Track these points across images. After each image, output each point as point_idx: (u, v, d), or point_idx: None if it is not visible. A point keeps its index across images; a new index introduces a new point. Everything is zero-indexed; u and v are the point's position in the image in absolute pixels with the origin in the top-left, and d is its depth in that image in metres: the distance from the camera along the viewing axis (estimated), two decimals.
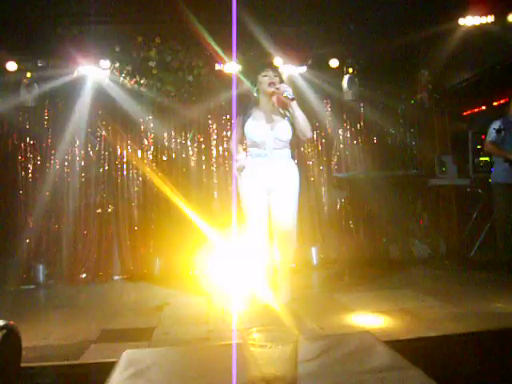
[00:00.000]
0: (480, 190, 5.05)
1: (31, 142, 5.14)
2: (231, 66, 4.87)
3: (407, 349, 1.19)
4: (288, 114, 3.44)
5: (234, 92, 4.56)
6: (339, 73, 5.24)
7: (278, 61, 4.97)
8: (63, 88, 4.91)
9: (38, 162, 5.14)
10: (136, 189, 5.29)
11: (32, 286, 4.79)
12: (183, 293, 4.29)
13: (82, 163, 5.19)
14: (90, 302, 4.24)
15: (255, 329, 0.97)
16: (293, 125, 3.43)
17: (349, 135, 5.70)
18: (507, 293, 3.63)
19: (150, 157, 5.33)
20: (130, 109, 5.13)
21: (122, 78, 4.99)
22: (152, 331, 2.97)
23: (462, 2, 4.32)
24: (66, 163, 5.16)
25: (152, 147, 5.34)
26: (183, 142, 5.38)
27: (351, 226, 5.59)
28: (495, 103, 5.55)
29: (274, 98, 3.47)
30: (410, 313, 3.19)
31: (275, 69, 3.59)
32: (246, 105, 3.57)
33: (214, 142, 5.40)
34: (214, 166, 5.40)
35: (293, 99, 3.30)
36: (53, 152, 5.13)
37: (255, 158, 3.47)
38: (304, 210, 5.43)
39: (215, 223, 5.18)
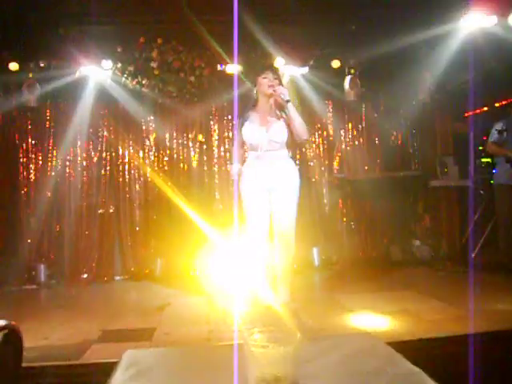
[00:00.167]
0: (482, 191, 5.05)
1: (33, 142, 5.16)
2: (233, 67, 4.87)
3: (408, 350, 1.19)
4: (284, 116, 3.46)
5: (236, 93, 4.56)
6: (341, 73, 5.23)
7: (279, 61, 4.97)
8: (65, 88, 4.91)
9: (40, 163, 5.15)
10: (137, 189, 5.30)
11: (33, 286, 4.80)
12: (184, 293, 4.30)
13: (84, 163, 5.21)
14: (92, 302, 4.25)
15: (256, 329, 0.96)
16: (289, 126, 3.45)
17: (350, 136, 5.70)
18: (509, 294, 3.63)
19: (152, 157, 5.34)
20: (132, 109, 5.13)
21: (123, 79, 4.99)
22: (153, 331, 2.97)
23: (464, 2, 4.31)
24: (68, 163, 5.18)
25: (154, 148, 5.35)
26: (185, 142, 5.39)
27: (352, 226, 5.59)
28: (497, 104, 5.54)
29: (272, 100, 3.49)
30: (411, 314, 3.19)
31: (275, 71, 3.62)
32: (246, 106, 3.60)
33: (215, 143, 5.41)
34: (216, 166, 5.40)
35: (288, 101, 3.33)
36: (55, 152, 5.14)
37: (254, 160, 3.51)
38: (305, 211, 5.42)
39: (216, 223, 5.19)
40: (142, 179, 5.30)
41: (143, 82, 5.03)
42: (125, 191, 5.27)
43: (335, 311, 3.40)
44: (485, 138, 4.97)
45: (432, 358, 2.11)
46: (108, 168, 5.25)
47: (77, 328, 3.16)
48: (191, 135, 5.39)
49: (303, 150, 5.57)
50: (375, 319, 3.13)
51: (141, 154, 5.32)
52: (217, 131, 5.42)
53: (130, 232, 5.25)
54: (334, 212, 5.59)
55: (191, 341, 2.78)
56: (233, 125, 3.67)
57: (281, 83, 3.50)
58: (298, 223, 5.03)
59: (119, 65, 4.93)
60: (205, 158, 5.37)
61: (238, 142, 3.69)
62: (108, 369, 1.16)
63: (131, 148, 5.30)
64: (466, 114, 5.64)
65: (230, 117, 5.29)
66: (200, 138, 5.40)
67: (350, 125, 5.72)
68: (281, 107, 3.47)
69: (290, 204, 3.53)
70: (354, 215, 5.60)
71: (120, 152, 5.28)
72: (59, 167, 5.12)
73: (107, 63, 4.86)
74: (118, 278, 5.17)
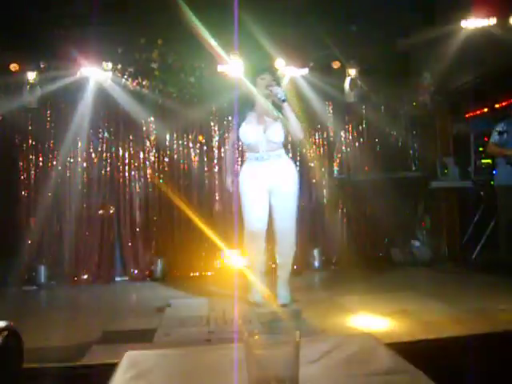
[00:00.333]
0: (482, 192, 5.05)
1: (33, 143, 5.16)
2: (233, 68, 4.88)
3: (409, 351, 1.19)
4: (281, 116, 3.49)
5: (236, 94, 4.57)
6: (341, 75, 5.24)
7: (279, 62, 4.97)
8: (66, 89, 4.92)
9: (41, 164, 5.15)
10: (138, 190, 5.30)
11: (34, 287, 4.80)
12: (185, 294, 4.29)
13: (84, 164, 5.20)
14: (92, 303, 4.25)
15: (257, 330, 0.96)
16: (285, 126, 3.49)
17: (351, 137, 5.71)
18: (509, 295, 3.62)
19: (152, 158, 5.34)
20: (132, 110, 5.13)
21: (124, 80, 5.00)
22: (153, 332, 2.97)
23: (464, 4, 4.32)
24: (68, 164, 5.17)
25: (154, 148, 5.35)
26: (185, 143, 5.39)
27: (353, 227, 5.59)
28: (497, 105, 5.54)
29: (269, 101, 3.52)
30: (411, 315, 3.19)
31: (273, 72, 3.66)
32: (244, 107, 3.63)
33: (215, 144, 5.41)
34: (216, 167, 5.40)
35: (284, 101, 3.37)
36: (55, 153, 5.14)
37: (252, 161, 3.55)
38: (306, 212, 5.43)
39: (217, 224, 5.19)
40: (142, 180, 5.31)
41: (143, 82, 5.05)
42: (125, 192, 5.27)
43: (335, 312, 3.40)
44: (485, 139, 4.97)
45: (432, 360, 2.11)
46: (108, 169, 5.25)
47: (77, 329, 3.16)
48: (191, 136, 5.40)
49: (303, 151, 5.57)
50: (375, 320, 3.13)
51: (141, 154, 5.32)
52: (217, 132, 5.42)
53: (131, 233, 5.25)
54: (335, 213, 5.59)
55: (192, 342, 2.77)
56: (233, 125, 3.70)
57: (278, 84, 3.53)
58: (298, 224, 5.04)
59: (119, 66, 4.94)
60: (205, 159, 5.38)
61: (232, 145, 3.85)
62: (108, 370, 1.15)
63: (131, 149, 5.31)
64: (467, 115, 5.64)
65: (230, 117, 5.29)
66: (200, 138, 5.41)
67: (350, 126, 5.72)
68: (277, 107, 3.49)
69: (290, 204, 3.55)
70: (354, 216, 5.60)
71: (120, 153, 5.28)
72: (59, 168, 5.12)
73: (108, 64, 4.86)
74: (118, 278, 5.17)
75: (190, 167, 5.37)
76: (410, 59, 5.00)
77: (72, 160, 5.17)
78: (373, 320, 3.14)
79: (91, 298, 4.46)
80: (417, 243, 5.53)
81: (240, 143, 3.88)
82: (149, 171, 5.31)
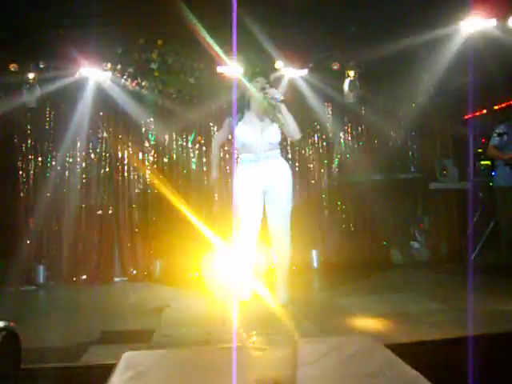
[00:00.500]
0: (481, 194, 5.05)
1: (33, 143, 5.16)
2: (232, 69, 4.88)
3: (407, 352, 1.19)
4: (279, 116, 3.52)
5: (235, 95, 4.57)
6: (340, 76, 5.24)
7: (279, 63, 4.99)
8: (65, 89, 4.92)
9: (39, 164, 5.15)
10: (137, 190, 5.30)
11: (32, 287, 4.79)
12: (183, 295, 4.29)
13: (83, 165, 5.20)
14: (90, 303, 4.24)
15: (255, 332, 0.96)
16: (281, 127, 3.53)
17: (350, 138, 5.71)
18: (507, 296, 3.63)
19: (151, 159, 5.34)
20: (132, 110, 5.13)
21: (123, 80, 5.00)
22: (152, 333, 2.97)
23: (463, 5, 4.32)
24: (67, 164, 5.17)
25: (153, 149, 5.35)
26: (184, 143, 5.39)
27: (352, 228, 5.59)
28: (496, 107, 5.54)
29: (265, 103, 3.55)
30: (410, 316, 3.19)
31: (267, 75, 3.74)
32: (241, 108, 3.67)
33: None
34: None
35: (282, 101, 3.42)
36: (54, 153, 5.14)
37: (247, 163, 3.59)
38: (305, 213, 5.43)
39: (216, 225, 5.18)
40: (141, 180, 5.31)
41: (143, 83, 5.04)
42: (124, 192, 5.27)
43: (334, 313, 3.40)
44: (483, 141, 4.98)
45: (431, 361, 2.11)
46: (107, 169, 5.25)
47: (76, 329, 3.15)
48: (190, 137, 5.40)
49: (303, 152, 5.58)
50: (374, 321, 3.13)
51: (140, 155, 5.32)
52: (216, 133, 5.41)
53: (129, 233, 5.25)
54: (333, 214, 5.59)
55: (190, 343, 2.77)
56: (228, 124, 3.73)
57: (272, 86, 3.57)
58: (297, 225, 5.05)
59: (119, 66, 4.94)
60: (204, 160, 5.37)
61: (220, 140, 3.89)
62: (107, 370, 1.15)
63: (130, 149, 5.31)
64: (466, 117, 5.64)
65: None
66: (199, 139, 5.40)
67: (349, 127, 5.73)
68: (273, 109, 3.52)
69: (286, 204, 3.59)
70: (353, 217, 5.61)
71: (119, 153, 5.28)
72: (58, 168, 5.12)
73: (107, 64, 4.86)
74: (116, 279, 5.16)
75: (188, 168, 5.37)
76: (409, 60, 5.00)
77: (71, 160, 5.17)
78: (371, 321, 3.14)
79: (90, 299, 4.45)
80: (416, 244, 5.54)
81: (228, 141, 3.91)
82: (148, 172, 5.31)
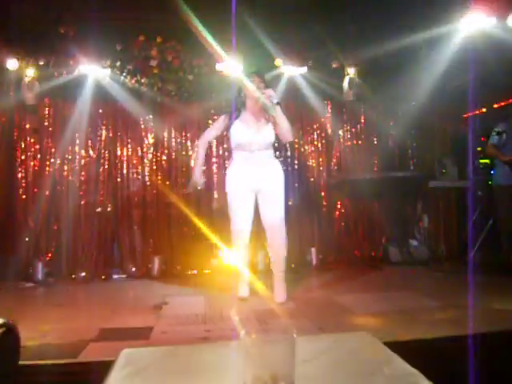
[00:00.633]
0: (480, 192, 5.05)
1: (31, 140, 5.14)
2: (231, 66, 4.87)
3: (405, 350, 1.19)
4: (271, 118, 3.56)
5: (233, 92, 4.58)
6: (340, 74, 5.24)
7: (278, 61, 4.98)
8: (64, 86, 4.90)
9: (38, 161, 5.14)
10: (136, 188, 5.29)
11: (31, 284, 4.79)
12: (182, 292, 4.30)
13: (82, 162, 5.20)
14: (89, 300, 4.24)
15: (253, 329, 0.96)
16: (275, 127, 3.57)
17: (349, 136, 5.71)
18: (506, 294, 3.63)
19: (150, 156, 5.34)
20: (131, 108, 5.12)
21: (122, 77, 4.99)
22: (150, 330, 2.97)
23: (463, 4, 4.32)
24: (66, 162, 5.16)
25: (152, 146, 5.34)
26: (183, 141, 5.39)
27: (350, 226, 5.60)
28: (495, 105, 5.54)
29: (260, 103, 3.57)
30: (408, 314, 3.19)
31: (261, 74, 3.72)
32: (238, 106, 3.69)
33: (214, 142, 5.39)
34: (215, 165, 5.40)
35: (277, 104, 3.44)
36: (53, 150, 5.13)
37: (241, 160, 3.62)
38: (303, 211, 5.44)
39: (215, 222, 5.19)
40: (140, 178, 5.30)
41: (142, 80, 5.03)
42: (123, 190, 5.27)
43: (332, 311, 3.40)
44: (483, 140, 4.98)
45: (429, 359, 2.12)
46: (106, 166, 5.25)
47: (74, 326, 3.15)
48: (190, 134, 5.40)
49: (302, 150, 5.58)
50: (372, 319, 3.14)
51: (139, 152, 5.32)
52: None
53: (128, 231, 5.24)
54: (332, 212, 5.60)
55: (188, 340, 2.77)
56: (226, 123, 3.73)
57: (266, 86, 3.58)
58: (296, 223, 5.06)
59: (118, 63, 4.93)
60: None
61: (210, 135, 3.86)
62: (105, 367, 1.16)
63: (130, 146, 5.30)
64: (465, 115, 5.64)
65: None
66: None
67: (348, 125, 5.73)
68: (268, 109, 3.54)
69: (279, 201, 3.61)
70: (351, 215, 5.61)
71: (118, 150, 5.28)
72: (57, 165, 5.11)
73: (106, 61, 4.85)
74: (115, 276, 5.16)
75: (187, 165, 5.37)
76: (409, 59, 4.99)
77: (70, 157, 5.17)
78: (369, 318, 3.15)
79: (88, 296, 4.45)
80: (414, 242, 5.54)
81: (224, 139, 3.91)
82: (147, 169, 5.31)
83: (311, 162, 5.61)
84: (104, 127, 5.26)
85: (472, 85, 4.62)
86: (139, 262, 5.20)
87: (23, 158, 5.12)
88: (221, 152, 5.39)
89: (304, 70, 5.16)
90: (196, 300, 3.88)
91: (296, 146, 5.55)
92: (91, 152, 5.23)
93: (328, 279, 4.73)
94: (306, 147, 5.61)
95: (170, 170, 5.36)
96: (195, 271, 5.21)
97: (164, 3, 4.31)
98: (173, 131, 5.37)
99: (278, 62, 5.00)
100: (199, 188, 3.87)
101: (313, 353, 1.14)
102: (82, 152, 5.19)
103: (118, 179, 5.26)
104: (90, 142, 5.22)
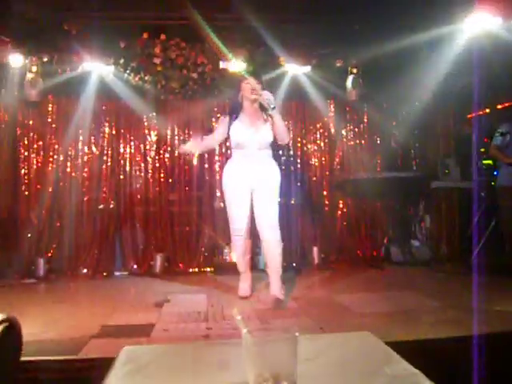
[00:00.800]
0: (483, 193, 5.04)
1: (34, 136, 5.16)
2: (235, 65, 4.86)
3: (407, 351, 1.19)
4: (269, 118, 3.59)
5: (235, 92, 4.58)
6: (343, 73, 5.23)
7: (282, 60, 4.98)
8: (67, 83, 4.91)
9: (41, 157, 5.15)
10: (138, 185, 5.30)
11: (33, 280, 4.80)
12: (183, 290, 4.30)
13: (85, 159, 5.21)
14: (91, 297, 4.25)
15: (255, 327, 0.96)
16: (272, 128, 3.60)
17: (352, 135, 5.71)
18: (508, 295, 3.62)
19: (153, 153, 5.34)
20: (134, 105, 5.13)
21: (126, 75, 4.99)
22: (151, 328, 2.97)
23: (468, 3, 4.30)
24: (69, 158, 5.18)
25: (155, 144, 5.35)
26: (186, 138, 5.39)
27: (353, 226, 5.59)
28: (499, 106, 5.53)
29: (256, 104, 3.62)
30: (410, 314, 3.19)
31: (258, 76, 3.73)
32: (236, 107, 3.72)
33: None
34: (217, 163, 5.40)
35: (273, 108, 3.47)
36: (56, 147, 5.15)
37: (239, 158, 3.66)
38: (306, 210, 5.44)
39: (217, 220, 5.20)
40: (142, 175, 5.31)
41: (145, 78, 5.03)
42: (126, 187, 5.28)
43: (334, 310, 3.40)
44: (486, 140, 4.96)
45: (430, 359, 2.11)
46: (109, 163, 5.26)
47: (76, 323, 3.16)
48: (193, 132, 5.39)
49: (304, 149, 5.57)
50: (374, 319, 3.13)
51: (142, 149, 5.32)
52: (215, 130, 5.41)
53: (131, 228, 5.25)
54: (334, 211, 5.59)
55: (190, 338, 2.77)
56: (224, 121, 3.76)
57: (263, 88, 3.60)
58: (298, 222, 5.07)
59: (122, 60, 4.93)
60: (206, 156, 5.37)
61: (214, 134, 3.89)
62: (106, 364, 1.16)
63: (133, 144, 5.31)
64: (469, 116, 5.63)
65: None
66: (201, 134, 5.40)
67: (351, 124, 5.72)
68: (265, 110, 3.59)
69: (273, 198, 3.64)
70: (354, 215, 5.60)
71: (121, 148, 5.29)
72: (60, 162, 5.12)
73: (110, 59, 4.86)
74: (117, 273, 5.17)
75: (190, 163, 5.37)
76: (413, 58, 4.98)
77: (73, 154, 5.18)
78: (371, 318, 3.14)
79: (90, 292, 4.46)
80: (416, 243, 5.53)
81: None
82: (150, 166, 5.32)
83: (314, 161, 5.61)
84: (107, 124, 5.27)
85: (477, 86, 4.61)
86: (141, 259, 5.21)
87: (26, 154, 5.13)
88: (223, 151, 5.38)
89: (308, 68, 5.15)
90: (198, 298, 3.88)
91: (299, 144, 5.55)
92: (94, 149, 5.24)
93: (330, 278, 4.73)
94: (309, 146, 5.61)
95: (173, 167, 5.37)
96: (197, 269, 5.21)
97: (168, 1, 4.32)
98: (176, 129, 5.38)
99: (282, 60, 4.99)
100: (192, 152, 4.11)
101: (315, 352, 1.14)
102: (85, 149, 5.20)
103: (121, 176, 5.28)
104: (93, 138, 5.23)
